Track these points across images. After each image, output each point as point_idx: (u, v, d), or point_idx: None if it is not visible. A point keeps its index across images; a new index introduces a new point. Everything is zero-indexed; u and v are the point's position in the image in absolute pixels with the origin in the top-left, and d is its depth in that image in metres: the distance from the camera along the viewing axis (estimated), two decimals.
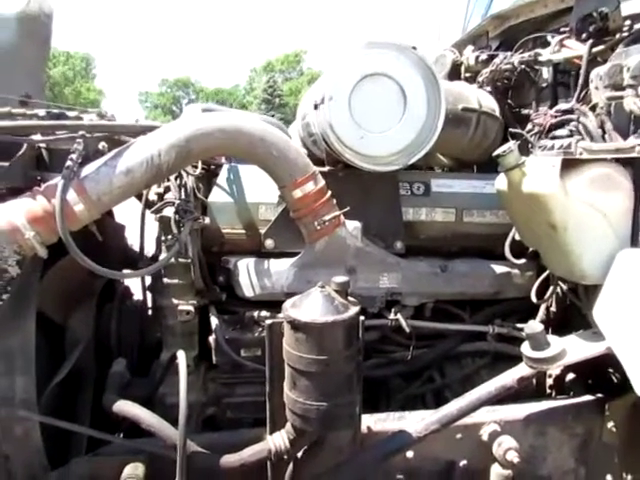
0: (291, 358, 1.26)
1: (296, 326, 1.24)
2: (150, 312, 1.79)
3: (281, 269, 1.64)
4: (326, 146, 1.67)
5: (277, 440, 1.34)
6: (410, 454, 1.54)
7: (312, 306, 1.27)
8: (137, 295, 1.92)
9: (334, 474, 1.40)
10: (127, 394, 1.47)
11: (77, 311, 1.67)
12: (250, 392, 1.72)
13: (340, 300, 1.28)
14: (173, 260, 1.60)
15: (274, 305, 1.59)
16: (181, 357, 1.42)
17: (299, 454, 1.42)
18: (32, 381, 1.39)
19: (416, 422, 1.48)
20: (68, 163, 1.32)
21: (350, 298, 1.32)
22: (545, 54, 1.70)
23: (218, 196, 1.69)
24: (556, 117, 1.48)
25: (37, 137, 1.32)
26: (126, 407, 1.40)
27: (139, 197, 1.81)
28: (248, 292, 1.66)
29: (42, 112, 1.37)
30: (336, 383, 1.26)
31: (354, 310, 1.28)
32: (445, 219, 1.78)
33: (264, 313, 1.69)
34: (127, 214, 1.86)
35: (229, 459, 1.34)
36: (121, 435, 1.59)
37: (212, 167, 1.84)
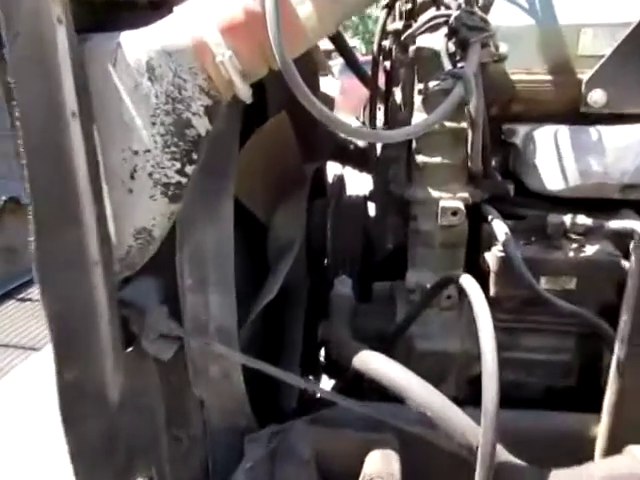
0: None
1: None
2: (378, 213, 1.31)
3: (621, 143, 0.99)
4: None
5: None
6: None
7: None
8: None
9: None
10: (356, 328, 1.09)
11: (284, 206, 1.23)
12: (545, 345, 1.08)
13: None
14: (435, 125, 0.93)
15: (595, 207, 1.03)
16: (468, 282, 0.86)
17: None
18: (231, 302, 0.94)
19: None
20: None
21: None
22: None
23: (504, 17, 1.04)
24: None
25: None
26: (369, 359, 0.89)
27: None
28: (553, 184, 1.04)
29: None
30: None
31: None
32: None
33: (583, 220, 0.96)
34: None
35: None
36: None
37: None
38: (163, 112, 0.76)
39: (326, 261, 1.30)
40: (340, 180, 1.39)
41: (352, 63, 1.61)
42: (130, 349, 0.94)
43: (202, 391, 1.03)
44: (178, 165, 0.80)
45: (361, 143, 1.74)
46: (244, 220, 1.13)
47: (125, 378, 0.93)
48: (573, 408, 1.01)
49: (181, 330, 0.95)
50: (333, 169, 1.57)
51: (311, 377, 1.55)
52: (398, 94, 1.26)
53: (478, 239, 1.08)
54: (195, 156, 0.81)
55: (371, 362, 0.87)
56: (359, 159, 1.73)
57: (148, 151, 0.78)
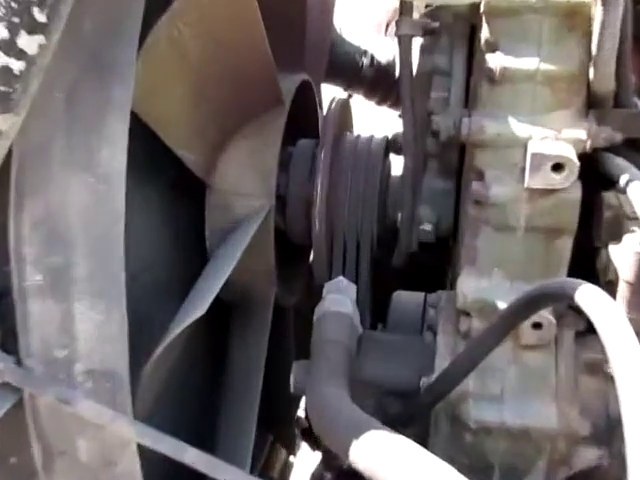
0: None
1: None
2: (408, 169, 1.16)
3: None
4: None
5: None
6: None
7: None
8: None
9: None
10: (358, 376, 0.95)
11: (238, 146, 1.14)
12: None
13: None
14: None
15: None
16: (597, 299, 0.68)
17: None
18: (119, 319, 0.78)
19: None
20: None
21: None
22: None
23: None
24: None
25: None
26: (379, 453, 0.68)
27: None
28: None
29: None
30: None
31: None
32: None
33: None
34: None
35: None
36: None
37: None
38: None
39: (312, 250, 1.22)
40: (342, 107, 1.27)
41: None
42: None
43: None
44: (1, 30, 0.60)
45: (381, 55, 1.65)
46: (164, 166, 1.03)
47: None
48: None
49: (15, 371, 0.75)
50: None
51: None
52: None
53: (590, 217, 0.93)
54: (40, 17, 0.61)
55: (383, 461, 0.66)
56: (376, 82, 1.66)
57: None
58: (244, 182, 1.11)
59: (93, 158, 0.74)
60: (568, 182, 0.84)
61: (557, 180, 0.83)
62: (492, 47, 0.86)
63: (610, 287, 0.86)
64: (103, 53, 0.74)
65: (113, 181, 0.75)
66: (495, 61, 0.86)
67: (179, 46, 0.88)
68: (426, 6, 1.05)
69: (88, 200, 0.74)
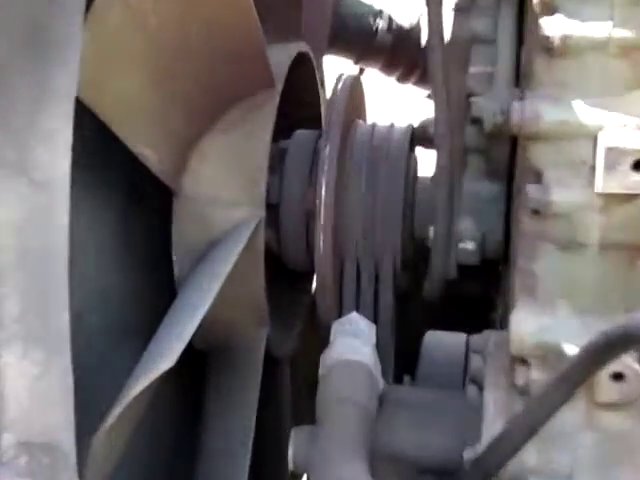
0: None
1: None
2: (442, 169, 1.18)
3: None
4: None
5: None
6: None
7: None
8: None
9: None
10: (382, 444, 0.98)
11: (215, 141, 1.18)
12: None
13: None
14: None
15: None
16: None
17: None
18: (63, 371, 0.79)
19: None
20: None
21: None
22: None
23: None
24: None
25: None
26: None
27: None
28: None
29: None
30: None
31: None
32: None
33: None
34: None
35: None
36: None
37: None
38: None
39: (316, 277, 1.26)
40: (352, 87, 1.30)
41: None
42: None
43: None
44: None
45: (401, 16, 1.69)
46: (120, 169, 1.07)
47: None
48: None
49: None
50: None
51: None
52: None
53: None
54: None
55: None
56: (396, 52, 1.71)
57: None
58: (224, 187, 1.14)
59: (28, 159, 0.76)
60: None
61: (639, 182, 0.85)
62: (550, 8, 0.87)
63: None
64: (40, 24, 0.75)
65: (54, 189, 0.76)
66: (554, 27, 0.86)
67: (138, 12, 0.90)
68: None
69: (21, 213, 0.75)
